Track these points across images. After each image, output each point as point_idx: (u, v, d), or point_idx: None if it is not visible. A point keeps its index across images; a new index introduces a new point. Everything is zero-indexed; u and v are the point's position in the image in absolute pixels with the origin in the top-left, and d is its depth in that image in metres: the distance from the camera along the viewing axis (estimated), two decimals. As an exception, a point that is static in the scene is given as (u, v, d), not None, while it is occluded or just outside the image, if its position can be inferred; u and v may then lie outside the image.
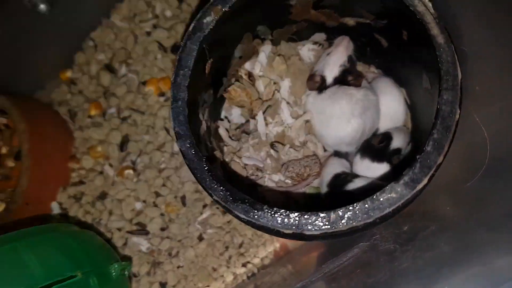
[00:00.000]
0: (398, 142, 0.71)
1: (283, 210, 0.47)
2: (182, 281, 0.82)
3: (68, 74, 0.95)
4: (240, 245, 0.80)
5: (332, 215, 0.46)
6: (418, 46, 0.60)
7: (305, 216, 0.47)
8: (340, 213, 0.46)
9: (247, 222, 0.49)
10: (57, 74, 0.95)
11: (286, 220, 0.47)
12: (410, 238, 0.59)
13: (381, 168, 0.70)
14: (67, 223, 0.78)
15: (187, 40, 0.55)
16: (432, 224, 0.57)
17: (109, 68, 0.91)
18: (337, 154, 0.77)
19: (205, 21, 0.55)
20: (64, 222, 0.81)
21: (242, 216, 0.48)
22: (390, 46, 0.70)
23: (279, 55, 0.78)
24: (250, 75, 0.77)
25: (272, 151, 0.77)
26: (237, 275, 0.79)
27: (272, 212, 0.47)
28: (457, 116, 0.47)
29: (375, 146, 0.71)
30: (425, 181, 0.46)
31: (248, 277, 0.79)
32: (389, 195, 0.46)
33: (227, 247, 0.81)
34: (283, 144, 0.77)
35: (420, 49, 0.59)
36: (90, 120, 0.91)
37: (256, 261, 0.79)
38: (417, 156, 0.46)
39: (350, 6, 0.66)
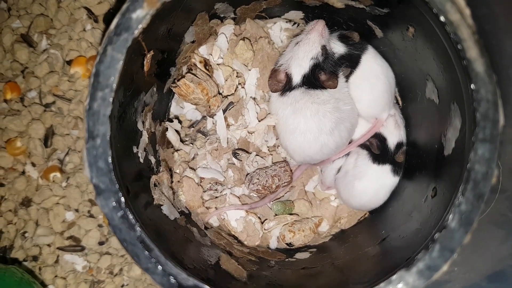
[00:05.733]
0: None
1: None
2: (128, 301, 0.70)
3: (-24, 42, 0.74)
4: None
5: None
6: (428, 49, 0.45)
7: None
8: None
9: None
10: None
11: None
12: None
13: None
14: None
15: (107, 45, 0.37)
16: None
17: (26, 39, 0.72)
18: None
19: (134, 16, 0.37)
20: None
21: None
22: (386, 38, 0.54)
23: (243, 38, 0.60)
24: (206, 63, 0.60)
25: (234, 160, 0.62)
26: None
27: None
28: (494, 180, 0.34)
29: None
30: (445, 267, 0.34)
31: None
32: (397, 286, 0.34)
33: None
34: (248, 152, 0.62)
35: (430, 55, 0.45)
36: (6, 105, 0.72)
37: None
38: (436, 235, 0.34)
39: (339, -16, 0.49)
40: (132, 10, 0.37)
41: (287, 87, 0.58)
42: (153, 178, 0.52)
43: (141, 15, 0.37)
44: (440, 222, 0.35)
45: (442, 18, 0.35)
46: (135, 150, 0.50)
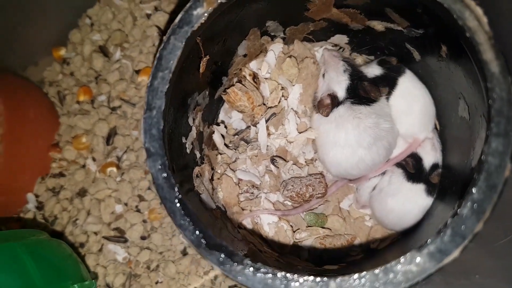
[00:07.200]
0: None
1: (269, 269, 0.37)
2: (160, 298, 0.74)
3: (62, 52, 0.86)
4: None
5: (332, 283, 0.36)
6: (459, 66, 0.48)
7: (297, 279, 0.37)
8: (341, 282, 0.36)
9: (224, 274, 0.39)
10: (51, 50, 0.85)
11: (270, 281, 0.37)
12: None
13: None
14: (36, 230, 0.70)
15: (171, 35, 0.44)
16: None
17: (103, 50, 0.82)
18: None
19: (195, 13, 0.44)
20: (34, 229, 0.73)
21: (216, 267, 0.38)
22: (424, 61, 0.58)
23: (290, 56, 0.67)
24: (254, 76, 0.66)
25: (272, 167, 0.67)
26: (222, 299, 0.70)
27: (254, 269, 0.37)
28: (507, 173, 0.36)
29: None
30: (456, 253, 0.35)
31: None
32: (407, 267, 0.36)
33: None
34: (286, 160, 0.66)
35: (461, 71, 0.48)
36: (78, 106, 0.82)
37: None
38: (448, 220, 0.36)
39: (380, 8, 0.54)
40: (194, 8, 0.44)
41: (335, 104, 0.61)
42: (196, 169, 0.58)
43: (200, 12, 0.44)
44: (454, 209, 0.37)
45: (460, 22, 0.38)
46: (183, 140, 0.56)
